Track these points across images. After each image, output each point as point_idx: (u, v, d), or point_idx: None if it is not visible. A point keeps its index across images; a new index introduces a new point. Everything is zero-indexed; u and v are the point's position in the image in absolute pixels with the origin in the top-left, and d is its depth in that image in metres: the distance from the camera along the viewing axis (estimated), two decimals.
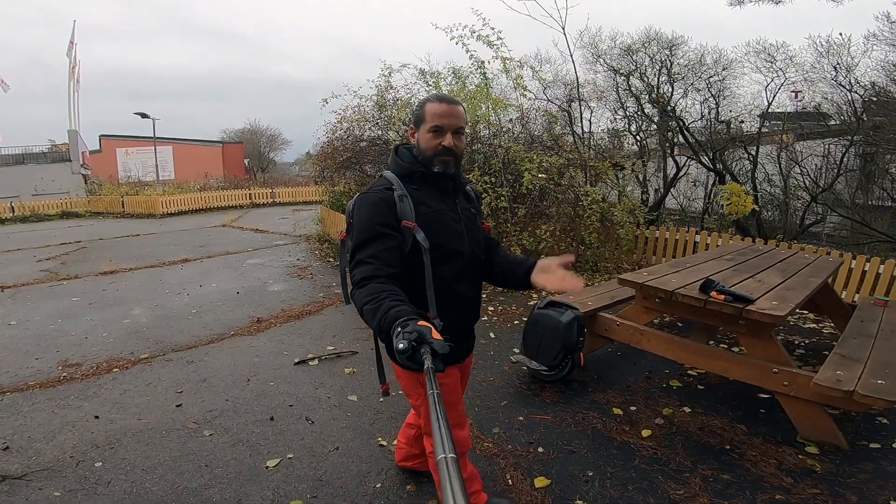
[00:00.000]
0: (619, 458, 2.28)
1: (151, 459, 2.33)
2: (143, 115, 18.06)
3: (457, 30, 6.38)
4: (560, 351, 2.80)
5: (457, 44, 6.43)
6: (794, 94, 7.73)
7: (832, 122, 6.96)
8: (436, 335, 0.97)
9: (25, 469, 2.28)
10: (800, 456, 2.26)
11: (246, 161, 31.98)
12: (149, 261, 7.55)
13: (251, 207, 17.42)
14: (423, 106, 1.45)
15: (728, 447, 2.35)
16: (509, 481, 2.12)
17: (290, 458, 2.32)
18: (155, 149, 20.17)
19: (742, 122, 7.23)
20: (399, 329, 1.00)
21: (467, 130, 6.19)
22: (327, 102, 7.44)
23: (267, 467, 2.25)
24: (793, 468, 2.18)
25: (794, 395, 2.33)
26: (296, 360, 3.48)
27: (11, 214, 15.27)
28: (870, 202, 6.20)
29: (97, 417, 2.76)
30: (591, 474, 2.16)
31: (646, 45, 7.44)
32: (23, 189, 18.68)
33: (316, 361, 3.49)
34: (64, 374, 3.42)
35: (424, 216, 1.40)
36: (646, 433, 2.46)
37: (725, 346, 3.51)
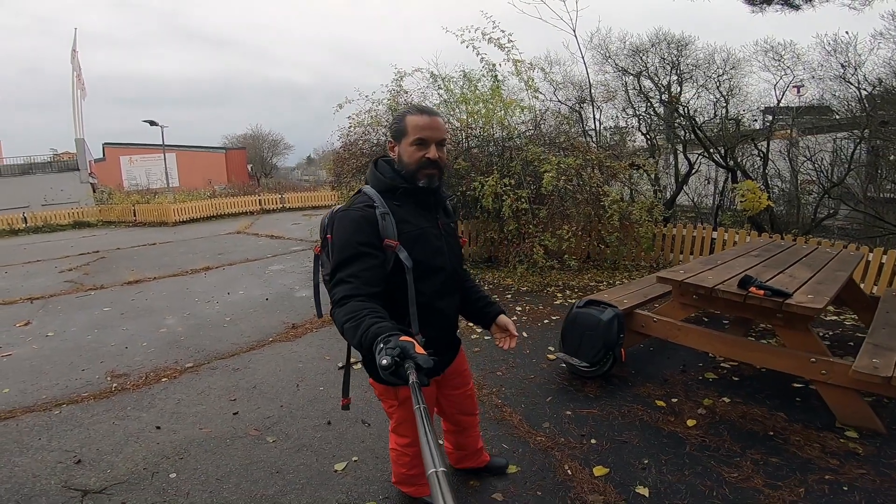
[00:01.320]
0: (670, 446, 2.40)
1: (223, 468, 2.39)
2: (152, 123, 18.16)
3: (468, 32, 6.49)
4: (601, 348, 2.92)
5: (467, 47, 6.54)
6: (796, 88, 7.87)
7: (839, 117, 7.08)
8: (419, 349, 0.98)
9: (104, 483, 2.32)
10: (841, 440, 2.38)
11: (249, 166, 32.12)
12: (171, 270, 7.66)
13: (261, 213, 17.51)
14: (402, 119, 1.40)
15: (771, 433, 2.47)
16: (568, 472, 2.24)
17: (355, 460, 2.41)
18: (164, 156, 20.33)
19: (755, 119, 7.37)
20: (381, 345, 1.00)
21: (479, 132, 6.37)
22: (341, 107, 7.53)
23: (335, 471, 2.33)
24: (836, 451, 2.30)
25: (832, 382, 2.45)
26: (339, 365, 3.59)
27: (24, 225, 15.38)
28: (881, 195, 6.33)
29: (159, 428, 2.82)
30: (646, 462, 2.28)
31: (655, 45, 7.57)
32: (32, 199, 18.83)
33: (359, 365, 3.58)
34: (114, 384, 3.50)
35: (407, 234, 1.38)
36: (691, 423, 2.58)
37: (753, 338, 3.63)
